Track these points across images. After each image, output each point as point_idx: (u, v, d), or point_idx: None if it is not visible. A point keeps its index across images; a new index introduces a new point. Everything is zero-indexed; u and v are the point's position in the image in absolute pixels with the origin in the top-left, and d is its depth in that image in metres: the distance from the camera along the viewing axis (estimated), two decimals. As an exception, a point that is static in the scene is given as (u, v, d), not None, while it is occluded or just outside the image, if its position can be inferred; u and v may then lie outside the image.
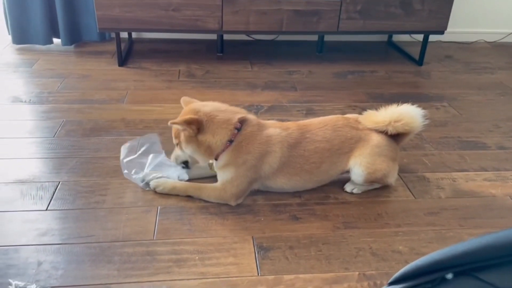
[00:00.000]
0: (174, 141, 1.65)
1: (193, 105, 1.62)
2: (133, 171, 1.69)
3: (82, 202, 1.60)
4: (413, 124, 1.68)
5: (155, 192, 1.65)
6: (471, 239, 0.56)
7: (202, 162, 1.69)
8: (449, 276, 0.58)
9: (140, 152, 1.75)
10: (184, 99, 1.70)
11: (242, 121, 1.60)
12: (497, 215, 1.65)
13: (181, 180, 1.69)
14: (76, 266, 1.33)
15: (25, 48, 2.99)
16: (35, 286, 1.24)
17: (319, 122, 1.71)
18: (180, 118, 1.56)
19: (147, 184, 1.66)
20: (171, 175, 1.69)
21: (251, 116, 1.64)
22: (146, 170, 1.69)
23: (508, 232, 0.52)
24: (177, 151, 1.67)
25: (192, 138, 1.57)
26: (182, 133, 1.58)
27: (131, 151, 1.75)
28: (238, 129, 1.58)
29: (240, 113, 1.62)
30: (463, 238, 1.52)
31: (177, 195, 1.64)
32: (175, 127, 1.59)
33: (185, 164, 1.71)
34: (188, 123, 1.53)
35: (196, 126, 1.54)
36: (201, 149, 1.59)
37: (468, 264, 0.57)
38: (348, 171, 1.70)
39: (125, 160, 1.71)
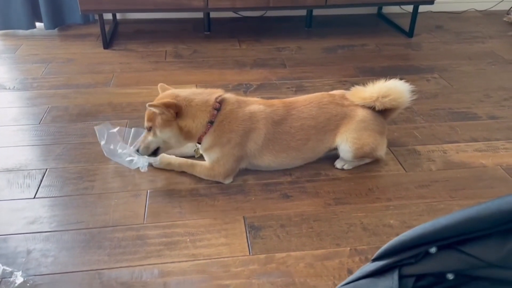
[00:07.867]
0: (146, 124, 1.56)
1: (171, 90, 1.59)
2: (118, 145, 1.67)
3: (70, 189, 1.58)
4: (401, 99, 1.66)
5: (149, 168, 1.64)
6: (454, 212, 0.55)
7: (177, 147, 1.66)
8: (433, 250, 0.58)
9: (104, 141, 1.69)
10: (161, 86, 1.66)
11: (221, 101, 1.57)
12: (487, 185, 1.64)
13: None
14: (66, 253, 1.32)
15: (7, 34, 2.92)
16: (20, 273, 1.24)
17: (304, 99, 1.69)
18: (158, 101, 1.51)
19: (131, 161, 1.63)
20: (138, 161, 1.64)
21: (229, 95, 1.62)
22: (129, 146, 1.65)
23: (490, 204, 0.50)
24: (148, 138, 1.57)
25: (170, 123, 1.53)
26: (159, 117, 1.53)
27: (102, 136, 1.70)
28: (218, 109, 1.56)
29: (217, 93, 1.60)
30: (454, 209, 1.52)
31: (171, 170, 1.66)
32: (153, 110, 1.52)
33: (155, 153, 1.60)
34: (167, 106, 1.50)
35: (175, 110, 1.51)
36: (181, 134, 1.56)
37: (451, 238, 0.56)
38: (336, 149, 1.69)
39: (102, 143, 1.69)
